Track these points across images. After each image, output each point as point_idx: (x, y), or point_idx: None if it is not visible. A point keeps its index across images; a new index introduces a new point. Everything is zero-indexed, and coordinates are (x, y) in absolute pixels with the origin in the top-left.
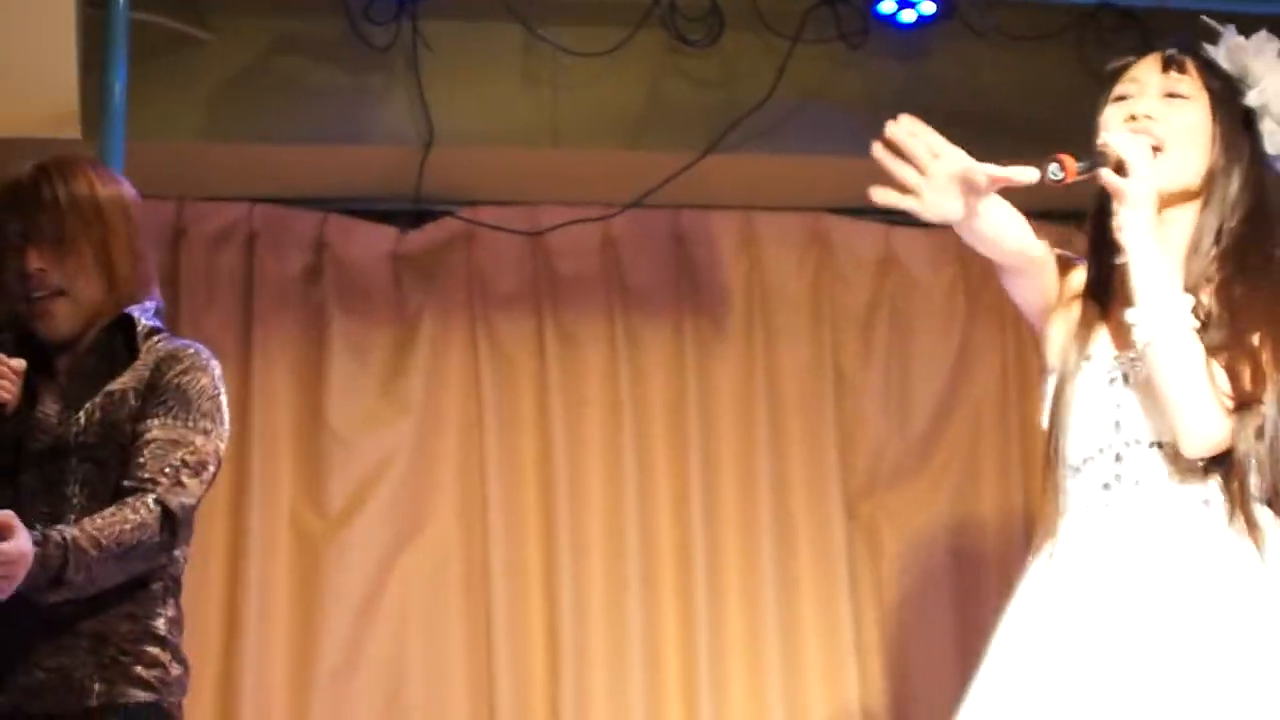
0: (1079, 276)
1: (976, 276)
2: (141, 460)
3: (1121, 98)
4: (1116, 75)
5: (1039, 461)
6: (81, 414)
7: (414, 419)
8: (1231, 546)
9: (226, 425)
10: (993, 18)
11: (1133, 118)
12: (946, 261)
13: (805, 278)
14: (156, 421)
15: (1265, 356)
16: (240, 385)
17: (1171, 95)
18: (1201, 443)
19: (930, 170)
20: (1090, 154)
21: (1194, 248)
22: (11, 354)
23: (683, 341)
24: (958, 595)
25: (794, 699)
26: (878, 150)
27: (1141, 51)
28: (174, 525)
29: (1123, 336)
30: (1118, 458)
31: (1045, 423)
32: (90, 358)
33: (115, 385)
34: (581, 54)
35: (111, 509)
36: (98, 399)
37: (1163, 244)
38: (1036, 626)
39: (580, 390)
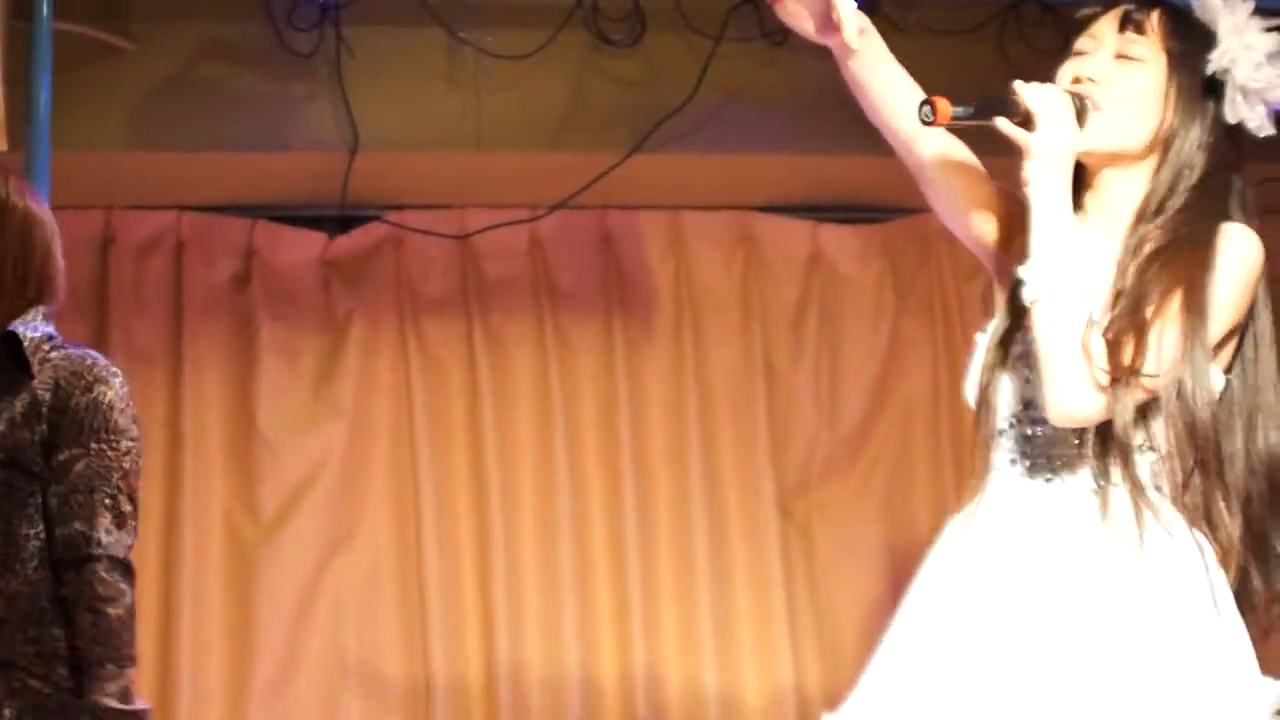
0: None
1: (905, 271)
2: (70, 508)
3: (1079, 53)
4: (1081, 27)
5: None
6: None
7: (345, 423)
8: (1108, 536)
9: (137, 430)
10: (914, 13)
11: (1077, 79)
12: (874, 256)
13: (734, 276)
14: (73, 452)
15: (1159, 330)
16: (171, 392)
17: (1123, 56)
18: (1063, 413)
19: None
20: (1002, 101)
21: (1140, 214)
22: None
23: (612, 342)
24: (891, 589)
25: (729, 690)
26: None
27: (1065, 42)
28: (130, 568)
29: None
30: (1026, 434)
31: (972, 382)
32: None
33: (16, 410)
34: (505, 57)
35: (86, 629)
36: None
37: (1103, 208)
38: (929, 612)
39: (511, 392)
